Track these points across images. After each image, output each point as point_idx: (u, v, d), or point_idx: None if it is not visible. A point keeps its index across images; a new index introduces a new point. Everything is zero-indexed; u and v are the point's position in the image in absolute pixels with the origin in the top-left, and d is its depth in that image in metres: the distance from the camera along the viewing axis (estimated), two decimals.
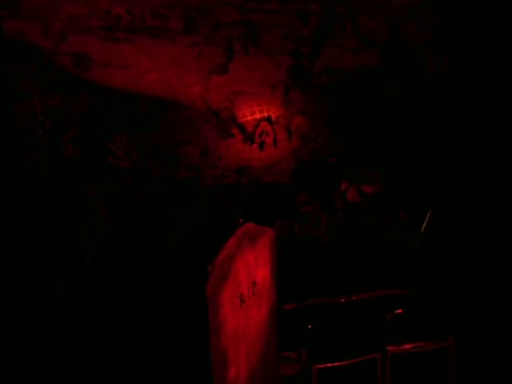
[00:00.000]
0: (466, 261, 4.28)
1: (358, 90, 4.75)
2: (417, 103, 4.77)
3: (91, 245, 3.85)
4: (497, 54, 4.45)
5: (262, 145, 4.59)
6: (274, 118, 4.60)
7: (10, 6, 3.62)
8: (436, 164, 4.70)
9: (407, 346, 3.76)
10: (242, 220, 3.57)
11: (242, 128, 4.51)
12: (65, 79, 3.88)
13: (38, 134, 3.77)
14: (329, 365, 3.66)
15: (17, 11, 3.64)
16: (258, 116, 4.54)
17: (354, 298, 4.08)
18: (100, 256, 3.85)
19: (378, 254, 4.40)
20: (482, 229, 4.35)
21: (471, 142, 4.60)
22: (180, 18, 4.10)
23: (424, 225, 4.44)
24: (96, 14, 3.87)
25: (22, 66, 3.74)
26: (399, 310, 4.09)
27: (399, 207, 4.65)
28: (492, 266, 4.23)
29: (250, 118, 4.52)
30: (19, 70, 3.72)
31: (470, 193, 4.51)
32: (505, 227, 4.29)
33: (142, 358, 3.58)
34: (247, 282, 3.24)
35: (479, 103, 4.58)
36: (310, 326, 3.98)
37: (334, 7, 4.50)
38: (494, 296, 4.15)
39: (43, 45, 3.78)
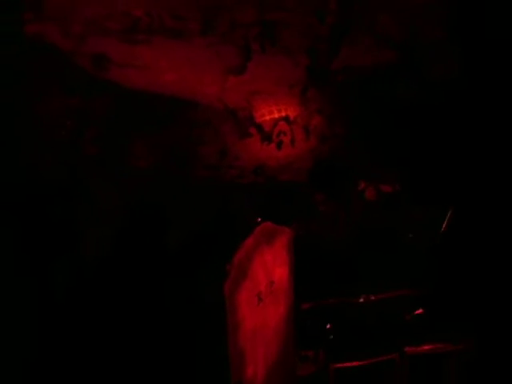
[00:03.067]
0: (485, 260, 4.22)
1: (375, 89, 4.71)
2: (433, 102, 4.71)
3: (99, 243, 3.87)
4: (506, 53, 4.38)
5: (279, 144, 4.58)
6: (291, 118, 4.59)
7: (31, 9, 3.68)
8: (452, 162, 4.65)
9: (425, 348, 3.73)
10: (259, 219, 3.57)
11: (259, 128, 4.51)
12: (84, 80, 3.93)
13: (59, 134, 3.83)
14: (346, 365, 3.64)
15: (38, 14, 3.70)
16: (276, 115, 4.53)
17: (372, 298, 4.06)
18: (115, 254, 3.89)
19: (396, 253, 4.36)
20: (501, 228, 4.29)
21: (487, 139, 4.53)
22: (197, 19, 4.12)
23: (445, 224, 4.39)
24: (115, 16, 3.91)
25: (43, 67, 3.80)
26: (419, 311, 4.05)
27: (417, 206, 4.61)
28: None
29: (267, 118, 4.51)
30: (40, 70, 3.79)
31: (487, 191, 4.45)
32: None
33: (159, 356, 3.61)
34: (265, 281, 3.25)
35: (494, 100, 4.52)
36: (327, 326, 3.97)
37: (350, 5, 4.48)
38: None
39: (63, 46, 3.84)
